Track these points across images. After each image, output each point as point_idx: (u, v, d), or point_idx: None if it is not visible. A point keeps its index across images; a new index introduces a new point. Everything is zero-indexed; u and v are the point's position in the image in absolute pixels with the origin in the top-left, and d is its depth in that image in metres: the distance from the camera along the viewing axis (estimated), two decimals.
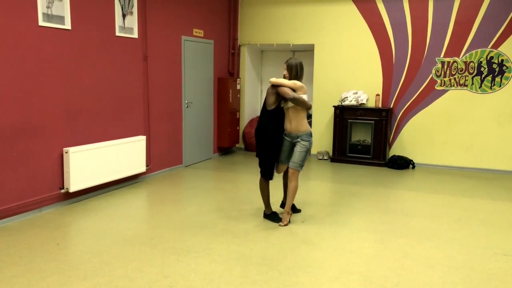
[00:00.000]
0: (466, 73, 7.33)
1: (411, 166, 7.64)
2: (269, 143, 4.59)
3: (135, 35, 6.02)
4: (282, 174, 4.87)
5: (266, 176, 4.69)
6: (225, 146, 8.42)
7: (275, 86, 4.47)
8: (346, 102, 7.79)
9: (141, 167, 6.15)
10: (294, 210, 4.92)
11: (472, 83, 7.32)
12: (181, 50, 7.08)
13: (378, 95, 7.78)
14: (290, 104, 4.45)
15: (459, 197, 5.80)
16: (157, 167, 6.70)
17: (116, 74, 5.76)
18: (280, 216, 4.69)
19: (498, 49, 7.10)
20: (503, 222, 4.83)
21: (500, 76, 7.14)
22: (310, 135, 4.57)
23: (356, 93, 7.84)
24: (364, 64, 7.92)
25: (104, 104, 5.60)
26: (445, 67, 7.43)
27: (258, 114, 9.36)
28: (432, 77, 7.54)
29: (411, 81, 7.68)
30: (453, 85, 7.43)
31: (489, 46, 7.14)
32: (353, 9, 7.87)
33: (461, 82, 7.38)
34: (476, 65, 7.26)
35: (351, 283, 3.33)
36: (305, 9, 8.21)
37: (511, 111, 7.13)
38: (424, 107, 7.65)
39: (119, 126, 5.87)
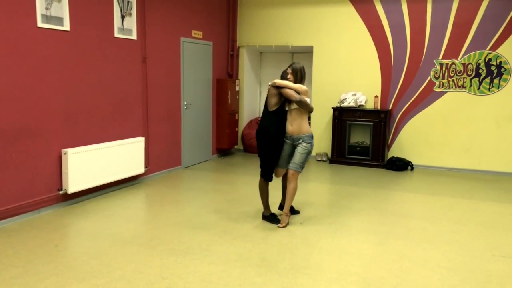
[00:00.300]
0: (465, 75, 7.35)
1: (409, 167, 7.65)
2: (270, 144, 4.60)
3: (134, 36, 6.02)
4: (281, 177, 4.88)
5: (266, 178, 4.70)
6: (224, 148, 8.43)
7: (278, 88, 4.50)
8: (345, 104, 7.80)
9: (140, 169, 6.14)
10: (293, 211, 4.93)
11: (471, 85, 7.33)
12: (180, 51, 7.08)
13: (376, 96, 7.79)
14: (293, 106, 4.48)
15: (457, 199, 5.81)
16: (156, 168, 6.69)
17: (115, 75, 5.76)
18: (279, 217, 4.69)
19: (496, 51, 7.12)
20: (502, 224, 4.83)
21: (498, 78, 7.16)
22: (312, 137, 4.59)
23: (355, 94, 7.85)
24: (363, 66, 7.93)
25: (102, 105, 5.60)
26: (444, 69, 7.45)
27: (257, 115, 9.39)
28: (430, 78, 7.55)
29: (409, 83, 7.69)
30: (452, 87, 7.45)
31: (488, 48, 7.16)
32: (351, 11, 7.89)
33: (460, 84, 7.39)
34: (474, 67, 7.27)
35: (349, 285, 3.33)
36: (304, 10, 8.22)
37: (510, 113, 7.15)
38: (423, 109, 7.66)
39: (118, 127, 5.87)
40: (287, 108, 4.56)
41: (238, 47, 8.82)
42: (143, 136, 6.28)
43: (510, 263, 3.79)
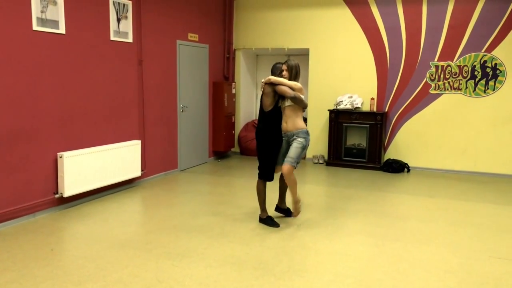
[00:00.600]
0: (460, 77, 7.38)
1: (406, 169, 7.66)
2: (268, 145, 4.61)
3: (130, 39, 6.02)
4: (278, 178, 4.88)
5: (266, 178, 4.69)
6: (220, 150, 8.42)
7: (272, 85, 4.49)
8: (341, 106, 7.81)
9: (136, 172, 6.13)
10: (288, 214, 4.93)
11: (466, 87, 7.36)
12: (176, 54, 7.08)
13: (373, 99, 7.80)
14: (287, 103, 4.48)
15: (454, 201, 5.82)
16: (152, 171, 6.68)
17: (111, 78, 5.75)
18: (291, 210, 4.81)
19: (491, 53, 7.15)
20: (498, 225, 4.85)
21: (493, 80, 7.19)
22: (307, 133, 4.59)
23: (351, 97, 7.86)
24: (359, 68, 7.95)
25: (98, 108, 5.58)
26: (439, 71, 7.48)
27: (254, 118, 9.38)
28: (426, 81, 7.58)
29: (405, 85, 7.72)
30: (447, 89, 7.47)
31: (483, 50, 7.19)
32: (347, 13, 7.91)
33: (455, 86, 7.42)
34: (470, 69, 7.30)
35: (346, 287, 3.32)
36: (300, 13, 8.24)
37: (505, 115, 7.17)
38: (419, 111, 7.68)
39: (114, 131, 5.85)
40: (280, 105, 4.55)
41: (234, 50, 8.82)
42: (139, 139, 6.27)
43: (507, 264, 3.80)
